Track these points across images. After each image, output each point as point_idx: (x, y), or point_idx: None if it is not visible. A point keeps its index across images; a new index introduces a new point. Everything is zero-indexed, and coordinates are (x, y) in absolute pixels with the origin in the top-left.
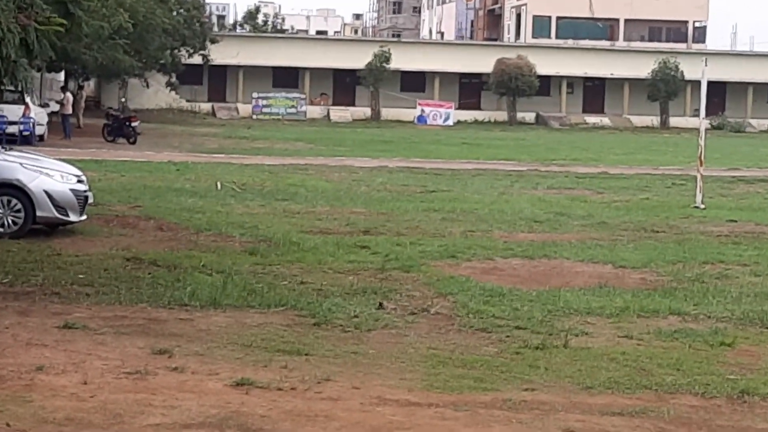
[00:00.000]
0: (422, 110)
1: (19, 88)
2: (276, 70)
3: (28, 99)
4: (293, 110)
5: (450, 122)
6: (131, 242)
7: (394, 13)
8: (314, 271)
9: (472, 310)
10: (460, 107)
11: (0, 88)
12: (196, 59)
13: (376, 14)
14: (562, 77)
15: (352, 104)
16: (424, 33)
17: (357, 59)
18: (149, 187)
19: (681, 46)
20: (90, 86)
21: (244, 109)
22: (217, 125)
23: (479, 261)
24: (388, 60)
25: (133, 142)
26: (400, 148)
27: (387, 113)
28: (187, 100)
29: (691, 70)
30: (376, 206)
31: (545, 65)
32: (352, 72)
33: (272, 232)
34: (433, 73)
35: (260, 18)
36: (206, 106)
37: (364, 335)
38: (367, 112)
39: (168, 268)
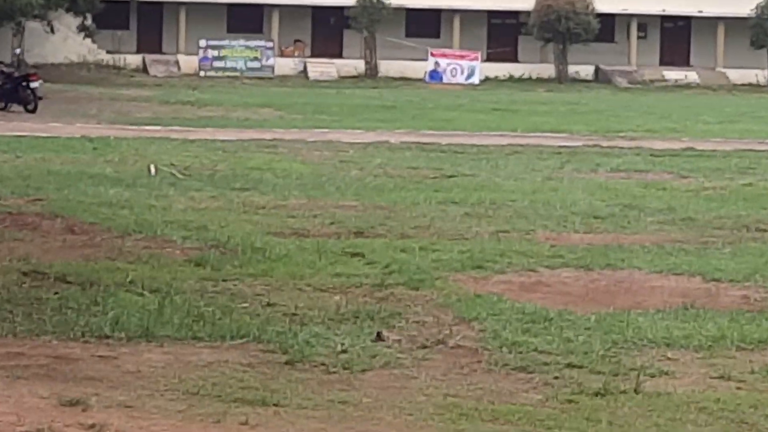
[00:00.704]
0: (436, 63)
1: None
2: (232, 8)
3: None
4: (256, 64)
5: (475, 79)
6: (30, 250)
7: None
8: (286, 289)
9: (506, 341)
10: (489, 59)
11: None
12: None
13: None
14: (630, 16)
15: (339, 56)
16: None
17: None
18: (55, 172)
19: None
20: None
21: (188, 62)
22: (150, 86)
23: (516, 273)
24: None
25: (33, 110)
26: (405, 117)
27: (387, 67)
28: (108, 51)
29: None
30: (373, 198)
31: (607, 0)
32: (337, 10)
33: (227, 234)
34: (451, 11)
35: None
36: (135, 60)
37: (356, 378)
38: (360, 66)
39: (82, 285)
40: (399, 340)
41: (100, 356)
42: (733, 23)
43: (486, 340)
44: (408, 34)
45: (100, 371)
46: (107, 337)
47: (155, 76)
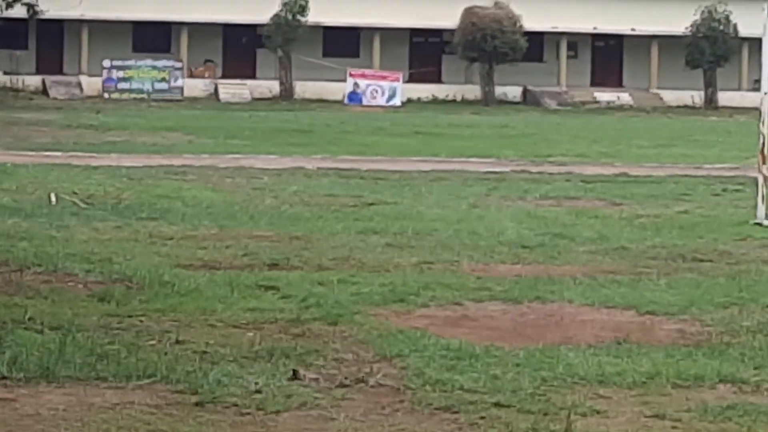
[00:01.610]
0: (356, 84)
1: None
2: (138, 26)
3: None
4: (164, 85)
5: (397, 101)
6: None
7: None
8: (196, 325)
9: (430, 379)
10: (412, 79)
11: None
12: (18, 11)
13: None
14: (560, 34)
15: (252, 76)
16: None
17: (258, 10)
18: None
19: None
20: None
21: (91, 84)
22: (50, 108)
23: (441, 307)
24: (303, 10)
25: None
26: (323, 141)
27: (303, 89)
28: (5, 73)
29: (747, 22)
30: (288, 227)
31: (535, 17)
32: (250, 28)
33: (133, 267)
34: (371, 30)
35: None
36: (34, 81)
37: (271, 419)
38: (275, 87)
39: None
40: (316, 379)
41: None
42: (667, 42)
43: (409, 378)
44: (325, 54)
45: None
46: (4, 377)
47: (56, 99)
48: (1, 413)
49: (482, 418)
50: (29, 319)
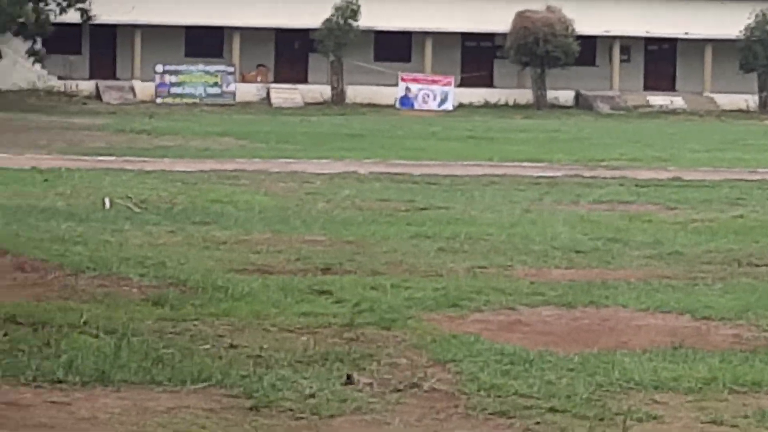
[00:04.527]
0: (407, 88)
1: None
2: (191, 30)
3: None
4: (216, 90)
5: (448, 105)
6: None
7: None
8: (250, 330)
9: (484, 384)
10: (463, 83)
11: None
12: (72, 16)
13: None
14: (613, 38)
15: (304, 81)
16: None
17: (310, 14)
18: (3, 207)
19: None
20: None
21: (144, 88)
22: (103, 113)
23: (494, 312)
24: (355, 15)
25: None
26: (375, 146)
27: (355, 93)
28: (60, 77)
29: None
30: (341, 232)
31: (588, 21)
32: (302, 33)
33: (187, 271)
34: (423, 34)
35: None
36: (88, 86)
37: (326, 424)
38: (326, 91)
39: (33, 326)
40: (370, 384)
41: (53, 402)
42: (721, 45)
43: (463, 383)
44: (377, 58)
45: (53, 418)
46: (60, 381)
47: (109, 104)
48: (57, 417)
49: (537, 423)
50: (84, 323)
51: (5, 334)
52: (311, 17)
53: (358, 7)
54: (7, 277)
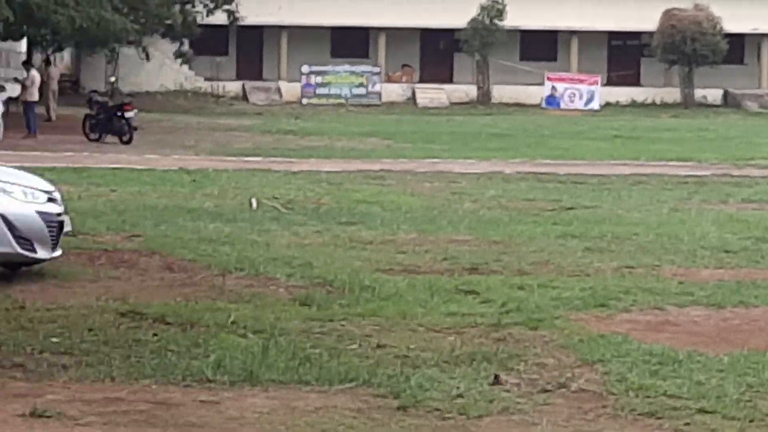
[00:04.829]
0: (553, 87)
1: None
2: (336, 31)
3: None
4: (362, 90)
5: (595, 105)
6: (127, 289)
7: None
8: (397, 330)
9: (633, 385)
10: (610, 82)
11: None
12: (219, 17)
13: None
14: (761, 36)
15: (449, 81)
16: None
17: (455, 14)
18: (152, 207)
19: None
20: (64, 60)
21: (290, 89)
22: (250, 114)
23: (642, 311)
24: (501, 14)
25: (128, 141)
26: (520, 145)
27: (501, 93)
28: (206, 79)
29: None
30: (487, 232)
31: (735, 18)
32: (448, 33)
33: (334, 271)
34: (569, 33)
35: None
36: (234, 87)
37: (473, 424)
38: (472, 91)
39: (182, 326)
40: (518, 384)
41: (201, 401)
42: None
43: (611, 384)
44: (523, 58)
45: (202, 417)
46: (209, 381)
47: (255, 104)
48: (206, 416)
49: (687, 424)
50: (232, 323)
51: (154, 335)
52: (456, 17)
53: (504, 6)
54: (156, 277)
